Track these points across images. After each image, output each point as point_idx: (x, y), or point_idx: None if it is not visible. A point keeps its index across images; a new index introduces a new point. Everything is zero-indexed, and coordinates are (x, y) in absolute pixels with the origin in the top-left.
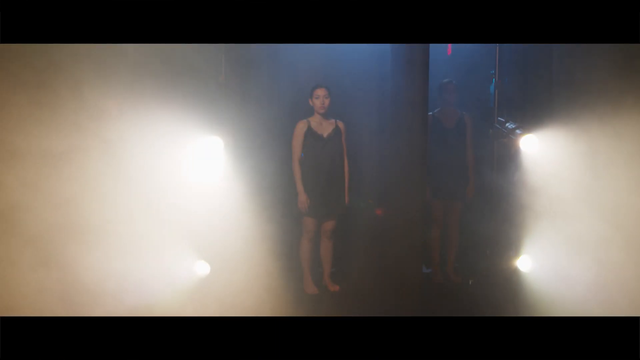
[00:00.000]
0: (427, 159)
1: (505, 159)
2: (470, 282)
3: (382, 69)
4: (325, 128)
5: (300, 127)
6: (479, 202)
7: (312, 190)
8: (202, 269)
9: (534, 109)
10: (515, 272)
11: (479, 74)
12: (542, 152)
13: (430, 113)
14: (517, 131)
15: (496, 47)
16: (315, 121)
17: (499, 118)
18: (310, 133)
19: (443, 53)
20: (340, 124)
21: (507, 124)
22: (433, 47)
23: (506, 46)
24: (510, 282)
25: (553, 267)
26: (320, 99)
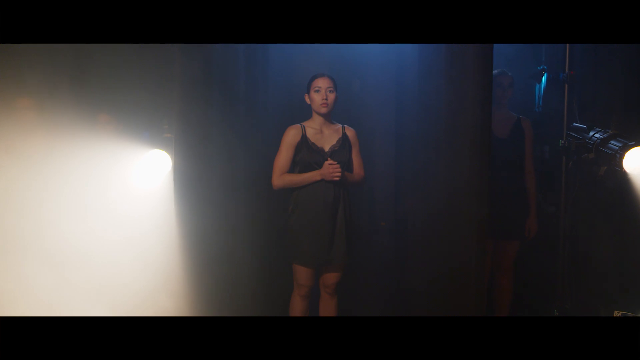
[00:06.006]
0: (488, 182)
1: (588, 182)
2: None
3: (402, 58)
4: (327, 137)
5: (292, 135)
6: (543, 242)
7: (306, 229)
8: None
9: (625, 113)
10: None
11: (520, 70)
12: None
13: None
14: (614, 143)
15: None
16: (313, 127)
17: (574, 124)
18: (305, 144)
19: None
20: (350, 132)
21: (592, 133)
22: None
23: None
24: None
25: None
26: (321, 91)
